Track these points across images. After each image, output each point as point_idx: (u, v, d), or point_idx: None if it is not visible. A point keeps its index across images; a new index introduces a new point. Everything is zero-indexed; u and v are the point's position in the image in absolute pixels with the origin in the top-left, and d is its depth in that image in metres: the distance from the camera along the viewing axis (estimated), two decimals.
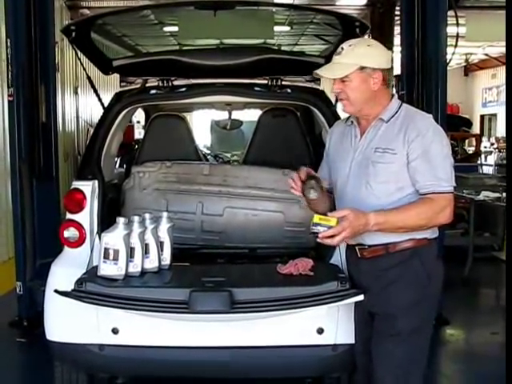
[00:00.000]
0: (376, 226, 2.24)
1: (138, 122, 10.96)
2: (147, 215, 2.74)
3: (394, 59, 2.44)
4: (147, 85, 3.53)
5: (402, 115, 2.36)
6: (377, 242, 2.34)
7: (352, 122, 2.48)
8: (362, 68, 2.30)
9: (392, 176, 2.31)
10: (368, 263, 2.39)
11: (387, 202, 2.30)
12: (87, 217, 3.05)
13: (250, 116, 6.46)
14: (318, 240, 2.24)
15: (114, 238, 2.58)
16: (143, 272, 2.66)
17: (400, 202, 2.30)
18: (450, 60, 4.70)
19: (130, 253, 2.61)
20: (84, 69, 3.83)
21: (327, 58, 3.58)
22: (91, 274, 2.66)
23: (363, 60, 2.31)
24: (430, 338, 2.42)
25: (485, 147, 15.33)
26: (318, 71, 2.38)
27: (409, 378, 2.36)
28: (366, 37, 2.70)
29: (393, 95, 2.44)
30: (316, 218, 2.23)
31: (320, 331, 2.78)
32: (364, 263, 2.41)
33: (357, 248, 2.39)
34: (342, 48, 2.34)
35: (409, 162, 2.28)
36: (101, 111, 3.55)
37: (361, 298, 2.41)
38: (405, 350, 2.33)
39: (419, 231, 2.31)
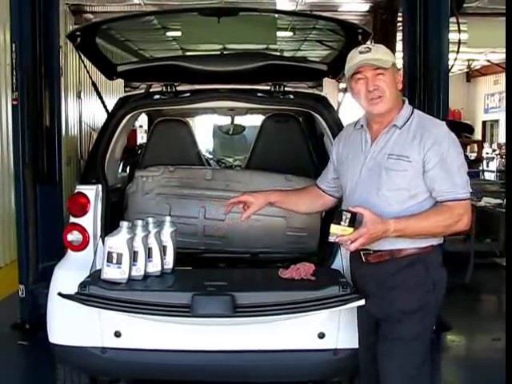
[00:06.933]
0: (395, 233, 2.25)
1: (141, 126, 10.99)
2: (150, 219, 2.76)
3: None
4: (151, 90, 3.55)
5: (414, 122, 2.35)
6: (382, 247, 2.32)
7: (362, 125, 2.46)
8: (393, 64, 2.34)
9: (405, 183, 2.29)
10: (372, 268, 2.38)
11: (399, 209, 2.29)
12: (91, 220, 3.07)
13: (253, 121, 6.48)
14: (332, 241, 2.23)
15: (118, 241, 2.59)
16: (146, 276, 2.68)
17: (412, 208, 2.29)
18: (452, 66, 4.72)
19: (134, 257, 2.63)
20: (88, 73, 3.86)
21: (330, 64, 3.62)
22: (94, 277, 2.68)
23: (392, 57, 2.35)
24: (429, 344, 2.40)
25: (487, 153, 15.32)
26: (361, 62, 2.29)
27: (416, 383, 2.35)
28: (369, 43, 2.75)
29: (403, 100, 2.42)
30: (332, 229, 2.20)
31: (321, 336, 2.80)
32: (368, 268, 2.39)
33: (361, 253, 2.38)
34: (369, 47, 2.33)
35: (425, 171, 2.28)
36: (104, 116, 3.57)
37: (362, 302, 2.42)
38: (407, 355, 2.32)
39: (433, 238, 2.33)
